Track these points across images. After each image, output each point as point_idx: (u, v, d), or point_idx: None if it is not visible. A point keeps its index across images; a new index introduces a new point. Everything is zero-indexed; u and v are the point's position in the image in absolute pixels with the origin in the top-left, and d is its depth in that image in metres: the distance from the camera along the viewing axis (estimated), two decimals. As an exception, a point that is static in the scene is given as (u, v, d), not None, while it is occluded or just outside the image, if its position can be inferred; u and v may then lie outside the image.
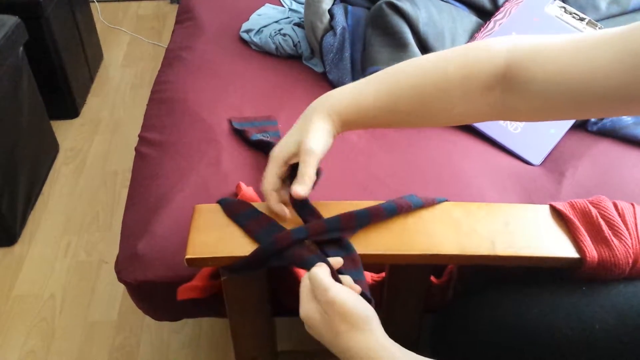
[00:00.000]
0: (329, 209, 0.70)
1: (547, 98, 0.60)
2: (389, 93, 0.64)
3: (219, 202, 0.72)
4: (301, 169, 0.65)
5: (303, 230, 0.65)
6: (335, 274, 0.60)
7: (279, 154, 0.67)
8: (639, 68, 0.53)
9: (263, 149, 0.96)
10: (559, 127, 1.03)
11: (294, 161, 0.67)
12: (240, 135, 1.00)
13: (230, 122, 1.03)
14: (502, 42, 0.63)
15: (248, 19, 1.33)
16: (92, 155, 1.85)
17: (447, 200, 0.72)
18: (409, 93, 0.64)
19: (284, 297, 0.82)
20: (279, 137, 0.98)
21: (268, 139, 0.96)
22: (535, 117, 0.65)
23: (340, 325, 0.54)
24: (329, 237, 0.66)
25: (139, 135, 1.07)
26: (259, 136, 0.97)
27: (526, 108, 0.63)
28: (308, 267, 0.60)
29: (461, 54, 0.64)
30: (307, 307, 0.57)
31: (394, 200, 0.70)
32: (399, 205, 0.69)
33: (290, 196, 0.67)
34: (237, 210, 0.70)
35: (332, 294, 0.55)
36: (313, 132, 0.65)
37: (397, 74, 0.65)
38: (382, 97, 0.64)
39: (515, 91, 0.62)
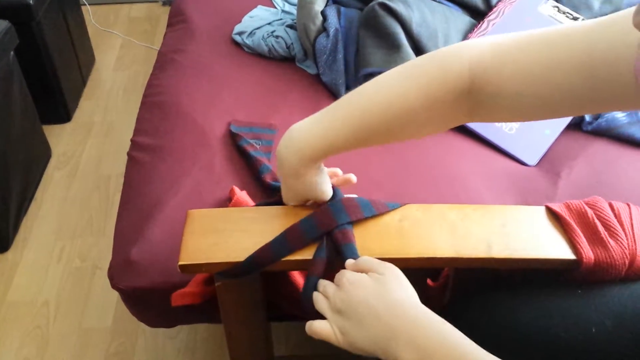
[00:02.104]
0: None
1: (518, 108, 0.60)
2: (357, 132, 0.64)
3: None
4: None
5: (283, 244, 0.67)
6: None
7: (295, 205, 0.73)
8: (601, 72, 0.53)
9: (244, 157, 0.95)
10: (554, 128, 1.03)
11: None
12: (232, 138, 0.99)
13: (229, 124, 1.02)
14: (464, 55, 0.61)
15: (240, 21, 1.32)
16: (85, 159, 1.84)
17: (400, 206, 0.72)
18: (376, 130, 0.64)
19: (280, 302, 0.82)
20: (271, 146, 0.98)
21: (256, 148, 0.95)
22: (507, 120, 0.67)
23: (395, 284, 0.58)
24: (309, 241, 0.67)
25: (131, 140, 1.06)
26: (250, 141, 0.96)
27: (495, 117, 0.64)
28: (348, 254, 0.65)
29: (422, 78, 0.62)
30: (355, 275, 0.60)
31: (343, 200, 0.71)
32: (346, 202, 0.70)
33: None
34: None
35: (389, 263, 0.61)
36: (312, 188, 0.69)
37: (363, 112, 0.64)
38: (351, 139, 0.65)
39: (483, 105, 0.62)
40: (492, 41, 0.61)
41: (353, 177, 0.77)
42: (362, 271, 0.61)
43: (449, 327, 0.54)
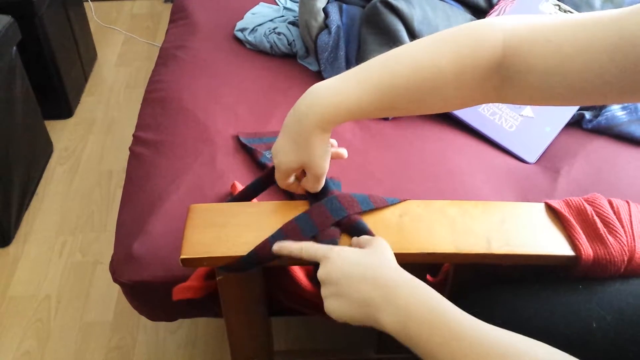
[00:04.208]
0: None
1: (545, 88, 0.60)
2: (384, 95, 0.63)
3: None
4: (313, 187, 0.71)
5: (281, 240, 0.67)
6: None
7: (285, 170, 0.70)
8: (632, 55, 0.53)
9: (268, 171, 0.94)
10: (554, 125, 1.03)
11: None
12: (248, 152, 0.97)
13: (237, 138, 0.99)
14: (497, 29, 0.61)
15: (242, 18, 1.32)
16: (87, 155, 1.84)
17: (399, 201, 0.72)
18: (404, 93, 0.63)
19: (280, 296, 0.82)
20: None
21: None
22: (530, 103, 0.66)
23: (378, 256, 0.60)
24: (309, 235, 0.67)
25: (133, 135, 1.06)
26: (268, 157, 0.94)
27: (522, 96, 0.63)
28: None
29: (454, 45, 0.62)
30: (345, 249, 0.61)
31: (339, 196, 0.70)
32: (342, 198, 0.70)
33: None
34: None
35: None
36: (316, 155, 0.67)
37: (392, 73, 0.63)
38: (377, 100, 0.63)
39: (512, 81, 0.61)
40: (527, 19, 0.61)
41: (344, 152, 0.75)
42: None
43: (429, 290, 0.55)
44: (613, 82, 0.56)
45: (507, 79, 0.61)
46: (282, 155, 0.68)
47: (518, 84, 0.61)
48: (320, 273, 0.60)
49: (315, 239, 0.66)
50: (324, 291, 0.60)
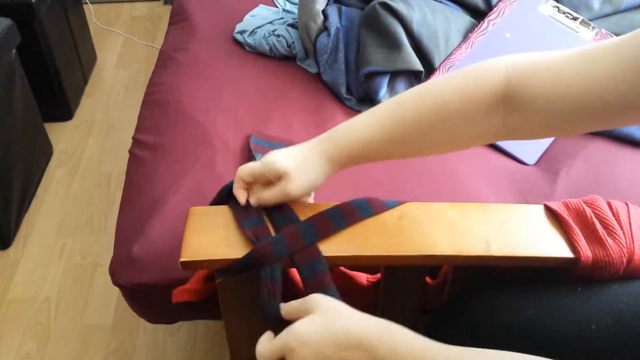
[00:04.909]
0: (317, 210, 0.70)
1: (550, 114, 0.61)
2: (392, 123, 0.66)
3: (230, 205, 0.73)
4: (268, 201, 0.70)
5: (282, 244, 0.66)
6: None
7: (269, 170, 0.68)
8: (631, 77, 0.54)
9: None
10: (553, 127, 1.03)
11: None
12: (249, 151, 0.97)
13: (251, 137, 0.99)
14: (499, 61, 0.64)
15: (242, 20, 1.33)
16: (86, 157, 1.84)
17: (399, 204, 0.72)
18: (410, 131, 0.66)
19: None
20: None
21: None
22: (539, 134, 0.66)
23: (337, 307, 0.58)
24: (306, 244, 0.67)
25: (132, 138, 1.06)
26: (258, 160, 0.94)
27: (529, 126, 0.64)
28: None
29: (458, 77, 0.65)
30: (302, 331, 0.58)
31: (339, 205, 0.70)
32: (343, 208, 0.70)
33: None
34: (245, 215, 0.70)
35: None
36: (310, 178, 0.68)
37: (398, 105, 0.67)
38: (385, 127, 0.66)
39: (517, 110, 0.63)
40: (530, 54, 0.64)
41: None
42: (298, 317, 0.59)
43: (395, 334, 0.54)
44: (615, 105, 0.56)
45: (513, 109, 0.63)
46: (277, 156, 0.68)
47: (524, 113, 0.63)
48: None
49: (294, 261, 0.66)
50: None
